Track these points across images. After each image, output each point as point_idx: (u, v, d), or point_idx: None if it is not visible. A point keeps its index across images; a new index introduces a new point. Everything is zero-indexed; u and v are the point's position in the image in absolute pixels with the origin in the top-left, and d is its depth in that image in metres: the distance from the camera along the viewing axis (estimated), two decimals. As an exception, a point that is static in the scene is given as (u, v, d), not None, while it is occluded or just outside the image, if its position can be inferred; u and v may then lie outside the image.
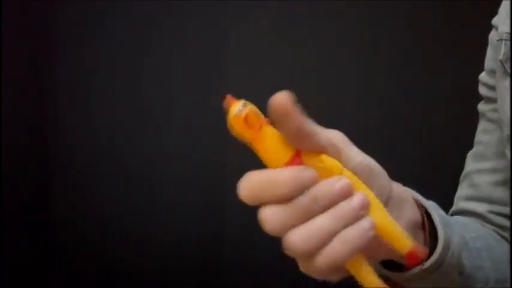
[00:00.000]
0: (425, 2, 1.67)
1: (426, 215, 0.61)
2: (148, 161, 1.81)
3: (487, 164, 0.80)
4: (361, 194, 0.51)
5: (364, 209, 0.51)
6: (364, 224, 0.50)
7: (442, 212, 0.64)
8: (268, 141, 0.51)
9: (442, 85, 1.68)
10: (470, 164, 0.83)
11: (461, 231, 0.67)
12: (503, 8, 0.80)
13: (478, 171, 0.81)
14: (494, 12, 0.82)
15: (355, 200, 0.50)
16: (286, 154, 0.51)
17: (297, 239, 0.49)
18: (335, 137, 0.53)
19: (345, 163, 0.52)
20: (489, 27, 0.83)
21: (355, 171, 0.52)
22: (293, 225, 0.50)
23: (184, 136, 1.79)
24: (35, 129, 1.81)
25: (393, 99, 1.71)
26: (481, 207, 0.80)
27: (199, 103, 1.77)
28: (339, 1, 1.71)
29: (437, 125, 1.68)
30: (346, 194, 0.50)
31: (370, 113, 1.72)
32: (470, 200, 0.81)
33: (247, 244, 1.74)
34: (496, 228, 0.79)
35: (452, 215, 0.83)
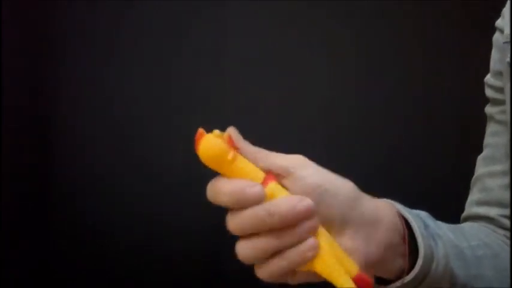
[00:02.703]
0: (428, 3, 1.66)
1: (408, 227, 0.62)
2: (149, 161, 1.81)
3: (497, 167, 0.79)
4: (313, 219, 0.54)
5: (310, 233, 0.54)
6: (305, 246, 0.54)
7: (432, 222, 0.64)
8: (239, 167, 0.55)
9: (448, 89, 1.67)
10: (481, 167, 0.82)
11: (456, 240, 0.67)
12: (507, 10, 0.80)
13: (489, 175, 0.80)
14: (497, 14, 0.82)
15: (305, 226, 0.54)
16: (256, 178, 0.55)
17: (241, 250, 0.54)
18: (290, 161, 0.57)
19: (293, 185, 0.55)
20: (493, 29, 0.84)
21: (304, 192, 0.55)
22: (246, 231, 0.54)
23: (184, 137, 1.79)
24: (35, 129, 1.81)
25: (396, 102, 1.70)
26: (492, 211, 0.79)
27: (199, 103, 1.77)
28: (340, 1, 1.71)
29: (443, 129, 1.67)
30: (305, 216, 0.54)
31: (370, 114, 1.71)
32: (482, 204, 0.80)
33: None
34: (508, 233, 0.78)
35: (463, 220, 0.82)
